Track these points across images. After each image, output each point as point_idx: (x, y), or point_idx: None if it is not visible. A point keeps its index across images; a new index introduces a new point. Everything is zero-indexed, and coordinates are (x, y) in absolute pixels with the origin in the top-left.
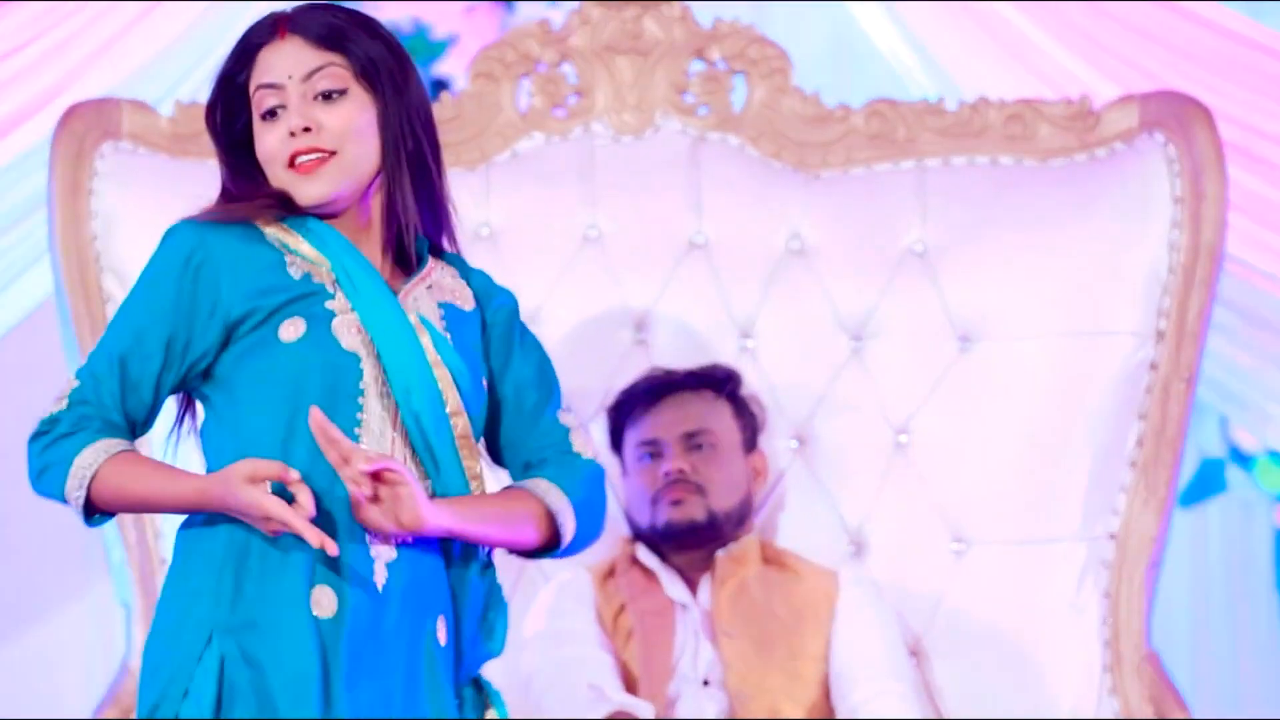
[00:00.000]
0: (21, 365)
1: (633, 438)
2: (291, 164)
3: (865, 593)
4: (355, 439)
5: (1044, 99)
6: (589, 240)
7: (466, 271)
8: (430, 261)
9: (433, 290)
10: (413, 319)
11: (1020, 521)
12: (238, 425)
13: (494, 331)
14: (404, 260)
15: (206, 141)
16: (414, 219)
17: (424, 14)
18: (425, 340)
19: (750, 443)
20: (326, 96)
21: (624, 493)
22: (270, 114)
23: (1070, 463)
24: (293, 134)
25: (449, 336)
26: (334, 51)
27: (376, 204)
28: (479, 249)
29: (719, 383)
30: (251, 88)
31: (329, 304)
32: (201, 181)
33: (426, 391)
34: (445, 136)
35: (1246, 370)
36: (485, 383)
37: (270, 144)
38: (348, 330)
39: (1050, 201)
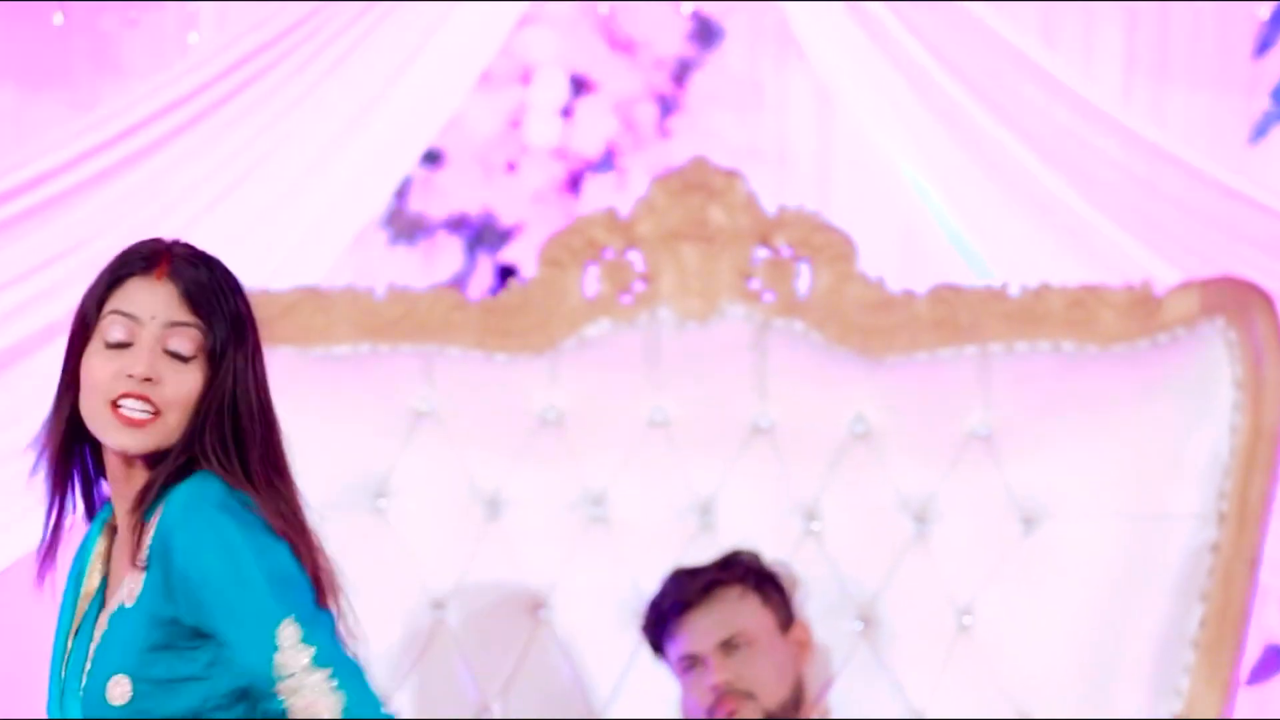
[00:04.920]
0: None
1: (672, 653)
2: (115, 405)
3: None
4: None
5: (1105, 285)
6: (655, 424)
7: (166, 521)
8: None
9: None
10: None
11: (1084, 702)
12: None
13: (178, 597)
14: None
15: None
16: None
17: (491, 201)
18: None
19: (786, 621)
20: (176, 356)
21: (679, 694)
22: (118, 345)
23: (1134, 643)
24: (130, 376)
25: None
26: (197, 315)
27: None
28: (545, 433)
29: (740, 576)
30: (104, 308)
31: None
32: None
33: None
34: (512, 322)
35: None
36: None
37: (104, 374)
38: None
39: (1112, 386)
